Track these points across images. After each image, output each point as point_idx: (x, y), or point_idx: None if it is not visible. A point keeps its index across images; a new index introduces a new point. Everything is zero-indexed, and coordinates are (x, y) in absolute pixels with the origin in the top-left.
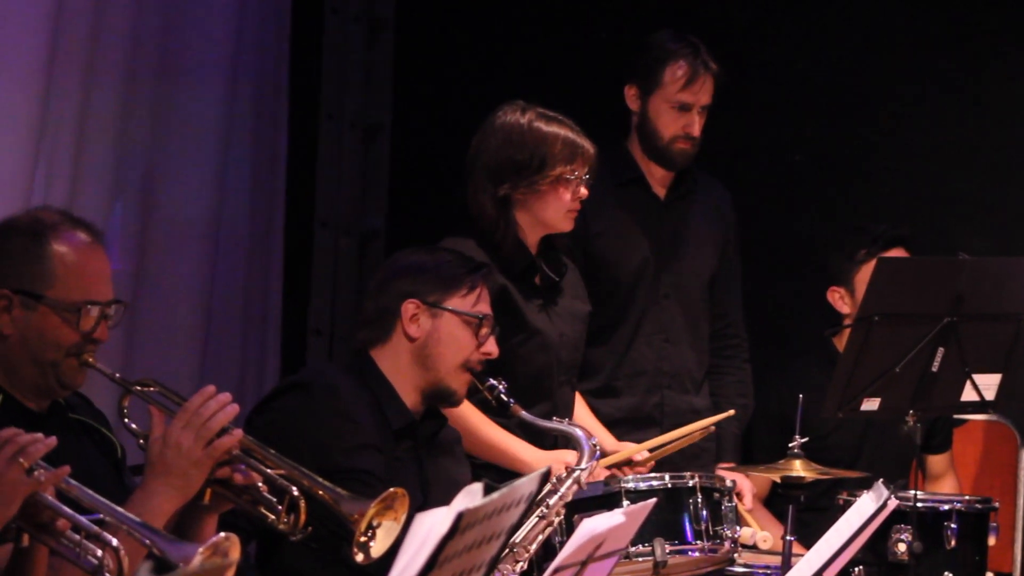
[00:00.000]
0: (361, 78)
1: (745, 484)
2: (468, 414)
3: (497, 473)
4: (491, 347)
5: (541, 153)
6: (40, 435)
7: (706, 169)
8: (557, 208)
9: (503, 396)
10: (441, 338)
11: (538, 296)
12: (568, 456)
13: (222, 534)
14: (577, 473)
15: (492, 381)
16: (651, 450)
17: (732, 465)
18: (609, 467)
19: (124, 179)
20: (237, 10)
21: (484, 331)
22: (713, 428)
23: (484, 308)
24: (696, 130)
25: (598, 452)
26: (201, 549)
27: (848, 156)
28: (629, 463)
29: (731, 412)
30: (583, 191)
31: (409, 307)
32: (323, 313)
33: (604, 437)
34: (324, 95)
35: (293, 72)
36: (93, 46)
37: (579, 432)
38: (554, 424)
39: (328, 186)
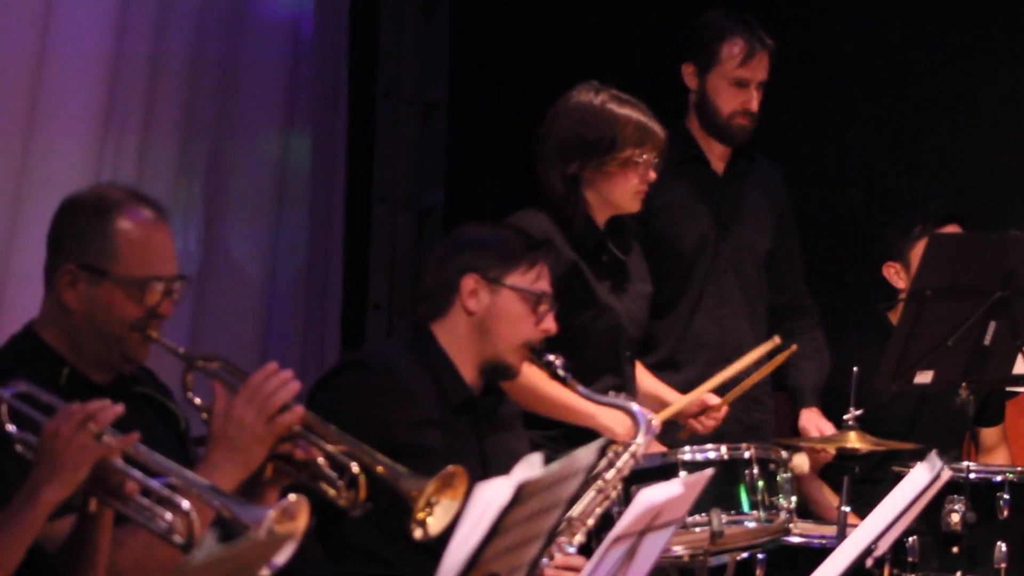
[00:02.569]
0: (418, 56)
1: (822, 422)
2: (529, 373)
3: (555, 447)
4: (549, 324)
5: (611, 134)
6: (108, 402)
7: (760, 146)
8: (625, 190)
9: (560, 372)
10: (500, 314)
11: (606, 273)
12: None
13: (292, 496)
14: (634, 447)
15: (549, 357)
16: (721, 396)
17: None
18: (683, 417)
19: (189, 160)
20: None
21: (543, 308)
22: (769, 362)
23: (544, 285)
24: (755, 105)
25: (654, 427)
26: (271, 512)
27: (901, 133)
28: (704, 411)
29: (793, 347)
30: (652, 174)
31: (469, 282)
32: (382, 288)
33: (670, 395)
34: (382, 73)
35: (351, 51)
36: (159, 32)
37: (635, 408)
38: (610, 399)
39: (386, 163)
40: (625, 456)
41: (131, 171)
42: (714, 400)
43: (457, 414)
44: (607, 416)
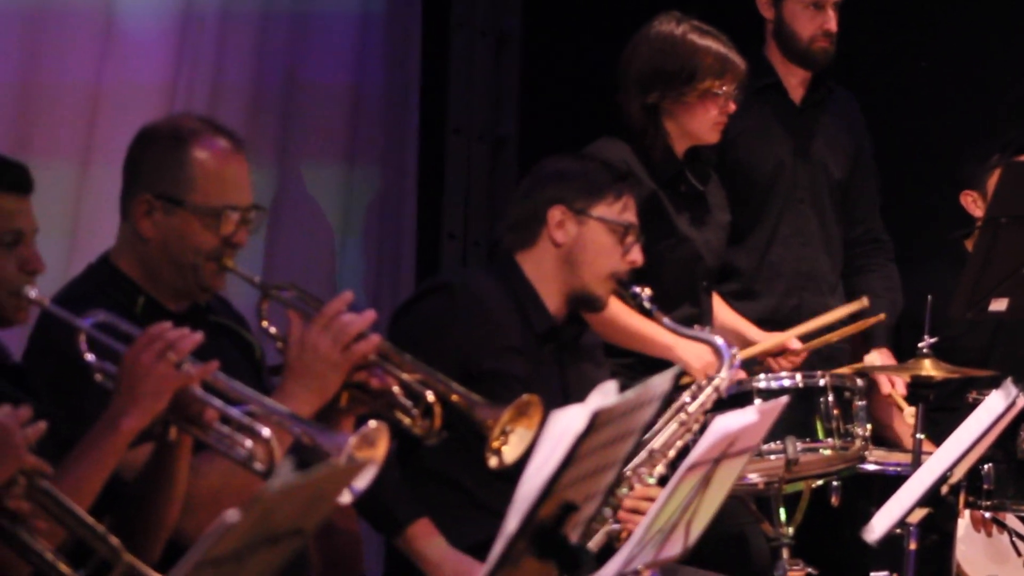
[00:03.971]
0: None
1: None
2: (609, 304)
3: (630, 375)
4: (636, 255)
5: (691, 65)
6: (187, 330)
7: (837, 74)
8: (703, 121)
9: (646, 304)
10: (587, 245)
11: (684, 204)
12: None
13: (372, 423)
14: (717, 381)
15: (636, 289)
16: (803, 341)
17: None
18: (764, 355)
19: (263, 90)
20: None
21: (629, 239)
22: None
23: (630, 217)
24: (833, 26)
25: (737, 361)
26: (352, 438)
27: (979, 60)
28: (783, 352)
29: (881, 316)
30: (731, 106)
31: (556, 213)
32: (457, 218)
33: (749, 330)
34: (455, 4)
35: None
36: None
37: (719, 341)
38: (695, 332)
39: (460, 94)
40: (708, 390)
41: (205, 99)
42: (796, 345)
43: (540, 343)
44: (685, 349)
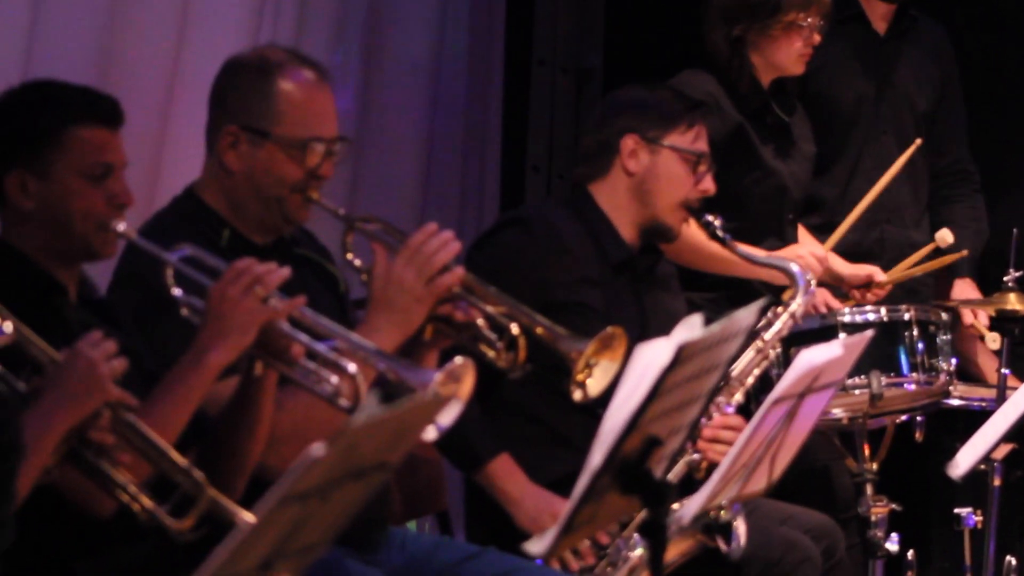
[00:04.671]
0: None
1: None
2: (689, 232)
3: (715, 309)
4: (708, 184)
5: None
6: (274, 265)
7: (921, 4)
8: (788, 52)
9: (719, 232)
10: (660, 174)
11: (770, 135)
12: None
13: (458, 359)
14: (793, 307)
15: (708, 217)
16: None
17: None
18: (849, 286)
19: (347, 21)
20: None
21: (702, 168)
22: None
23: (702, 146)
24: None
25: (813, 287)
26: (438, 375)
27: None
28: (868, 285)
29: (964, 253)
30: (816, 38)
31: (628, 142)
32: (541, 150)
33: (835, 262)
34: None
35: None
36: None
37: (794, 268)
38: (771, 258)
39: (545, 25)
40: (784, 316)
41: (290, 31)
42: (881, 277)
43: (616, 273)
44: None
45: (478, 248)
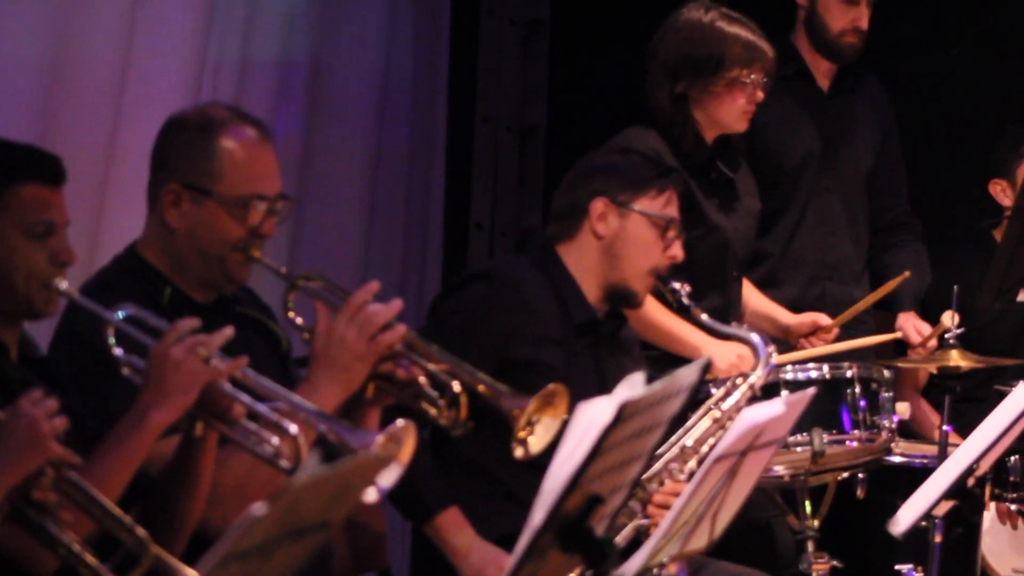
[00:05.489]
0: None
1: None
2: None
3: (658, 367)
4: (677, 251)
5: (719, 54)
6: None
7: (867, 61)
8: (731, 109)
9: (684, 300)
10: (628, 238)
11: (715, 191)
12: (742, 350)
13: (400, 421)
14: (752, 378)
15: (675, 285)
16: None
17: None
18: (796, 336)
19: (289, 78)
20: None
21: (671, 234)
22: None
23: (672, 211)
24: (865, 23)
25: (774, 360)
26: (380, 437)
27: (1005, 48)
28: (815, 332)
29: (905, 274)
30: (759, 94)
31: (598, 205)
32: (484, 207)
33: (781, 314)
34: None
35: None
36: None
37: (756, 339)
38: (733, 329)
39: (489, 81)
40: (743, 387)
41: (231, 87)
42: (826, 321)
43: (578, 335)
44: (713, 350)
45: (443, 299)
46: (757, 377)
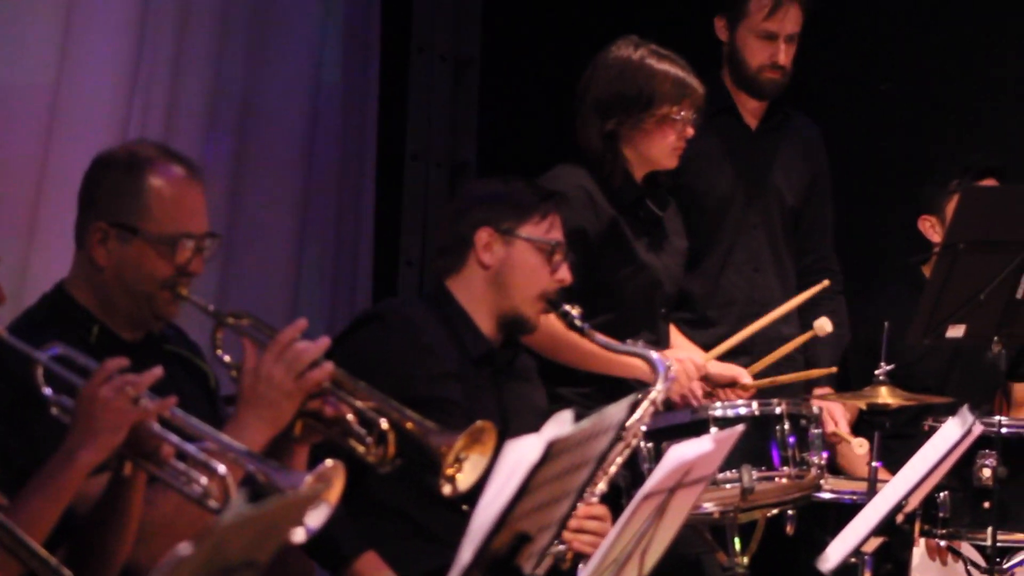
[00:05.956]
0: (451, 11)
1: (837, 410)
2: (549, 323)
3: (587, 404)
4: (564, 274)
5: (649, 90)
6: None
7: (795, 98)
8: (662, 146)
9: (577, 322)
10: (515, 265)
11: (644, 230)
12: (694, 353)
13: (328, 461)
14: (653, 394)
15: (566, 307)
16: (756, 378)
17: (827, 391)
18: (716, 386)
19: (218, 115)
20: None
21: (557, 258)
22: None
23: (557, 235)
24: (783, 59)
25: (672, 374)
26: (308, 477)
27: (935, 85)
28: (733, 384)
29: (825, 283)
30: (689, 131)
31: (482, 235)
32: (414, 244)
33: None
34: (415, 28)
35: (384, 6)
36: None
37: (654, 355)
38: (630, 347)
39: (419, 119)
40: (645, 403)
41: (159, 125)
42: (746, 379)
43: (476, 367)
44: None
45: (337, 346)
46: (658, 392)
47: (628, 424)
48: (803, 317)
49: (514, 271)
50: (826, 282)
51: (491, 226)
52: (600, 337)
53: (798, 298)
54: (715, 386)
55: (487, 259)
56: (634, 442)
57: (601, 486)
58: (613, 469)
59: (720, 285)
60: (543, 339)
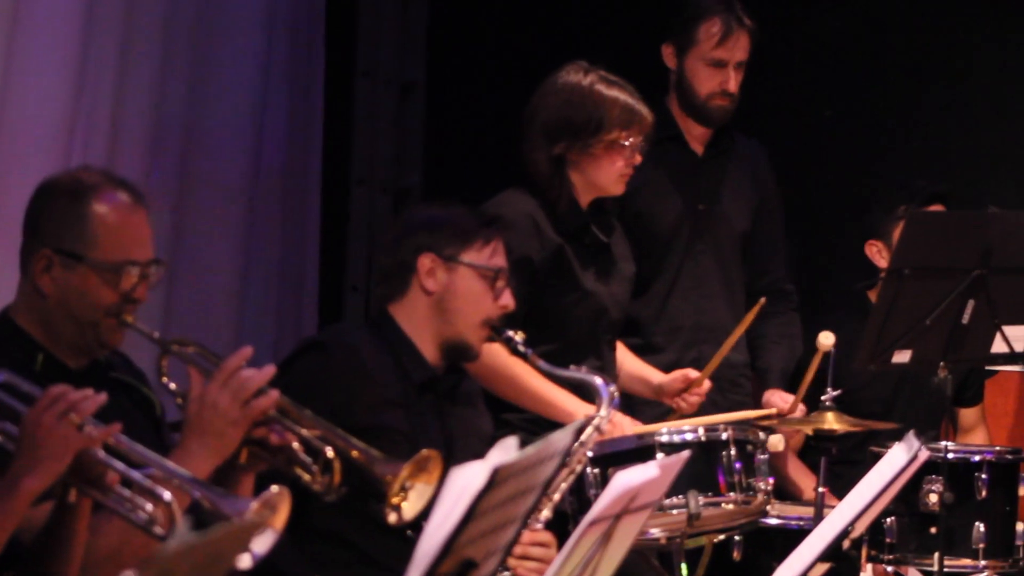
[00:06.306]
0: (396, 35)
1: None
2: (512, 363)
3: (533, 429)
4: (507, 300)
5: (598, 116)
6: (90, 391)
7: (740, 124)
8: (610, 172)
9: (520, 348)
10: (458, 291)
11: (589, 256)
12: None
13: (274, 488)
14: (597, 420)
15: (509, 333)
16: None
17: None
18: (669, 396)
19: (162, 140)
20: None
21: (500, 284)
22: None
23: (499, 261)
24: (732, 86)
25: (616, 399)
26: (254, 503)
27: (879, 111)
28: (687, 388)
29: (762, 301)
30: (637, 158)
31: (425, 261)
32: (360, 270)
33: (656, 376)
34: (359, 53)
35: (328, 30)
36: (130, 7)
37: (597, 380)
38: (573, 372)
39: (364, 144)
40: (589, 429)
41: (102, 151)
42: (695, 374)
43: (419, 393)
44: (571, 403)
45: (279, 374)
46: (601, 418)
47: (572, 450)
48: (750, 338)
49: (457, 297)
50: (762, 300)
51: (434, 252)
52: (543, 363)
53: (743, 323)
54: (670, 395)
55: (430, 285)
56: (578, 468)
57: (546, 512)
58: (557, 496)
59: (667, 311)
60: (482, 369)
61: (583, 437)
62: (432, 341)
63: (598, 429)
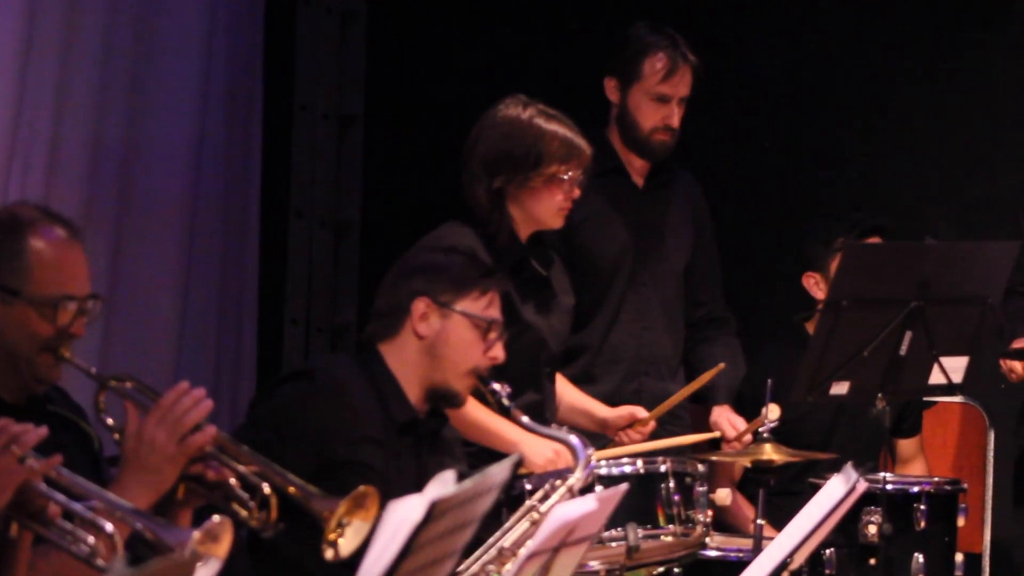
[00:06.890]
0: (334, 69)
1: (738, 421)
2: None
3: (474, 462)
4: (498, 352)
5: (537, 150)
6: (31, 425)
7: (680, 155)
8: (549, 206)
9: (504, 401)
10: (449, 339)
11: (529, 289)
12: (558, 447)
13: (216, 518)
14: (571, 481)
15: (495, 386)
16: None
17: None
18: (614, 430)
19: (99, 173)
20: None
21: (492, 335)
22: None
23: (494, 313)
24: (676, 121)
25: (593, 462)
26: (196, 533)
27: (816, 143)
28: (632, 424)
29: (721, 365)
30: (576, 191)
31: (420, 305)
32: (299, 304)
33: (597, 408)
34: (298, 86)
35: (266, 64)
36: (68, 32)
37: (576, 441)
38: (553, 431)
39: (303, 177)
40: (562, 489)
41: (39, 181)
42: (642, 414)
43: (400, 434)
44: (529, 446)
45: (263, 397)
46: (576, 480)
47: (543, 509)
48: (689, 371)
49: (448, 344)
50: (722, 365)
51: (429, 297)
52: (526, 419)
53: (698, 381)
54: (615, 430)
55: (422, 329)
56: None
57: (509, 567)
58: (523, 552)
59: (609, 342)
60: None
61: (555, 497)
62: (418, 384)
63: (571, 490)
